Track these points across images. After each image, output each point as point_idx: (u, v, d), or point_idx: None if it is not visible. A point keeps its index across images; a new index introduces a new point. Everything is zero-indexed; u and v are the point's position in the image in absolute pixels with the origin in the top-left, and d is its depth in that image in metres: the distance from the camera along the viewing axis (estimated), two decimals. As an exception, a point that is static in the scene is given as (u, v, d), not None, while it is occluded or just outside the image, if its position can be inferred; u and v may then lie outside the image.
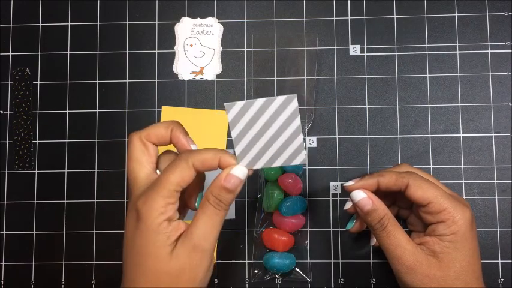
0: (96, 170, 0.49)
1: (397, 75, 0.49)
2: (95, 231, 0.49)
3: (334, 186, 0.48)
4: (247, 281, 0.48)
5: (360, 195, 0.38)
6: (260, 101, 0.35)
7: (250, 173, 0.36)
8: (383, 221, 0.37)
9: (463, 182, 0.48)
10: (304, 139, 0.48)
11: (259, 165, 0.36)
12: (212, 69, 0.50)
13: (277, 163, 0.36)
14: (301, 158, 0.36)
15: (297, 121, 0.35)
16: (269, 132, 0.36)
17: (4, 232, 0.49)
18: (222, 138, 0.49)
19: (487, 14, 0.49)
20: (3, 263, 0.49)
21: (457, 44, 0.49)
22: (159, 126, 0.37)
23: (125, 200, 0.49)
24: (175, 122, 0.37)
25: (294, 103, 0.35)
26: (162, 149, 0.39)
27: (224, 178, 0.34)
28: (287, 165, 0.36)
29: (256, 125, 0.36)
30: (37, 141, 0.50)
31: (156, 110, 0.50)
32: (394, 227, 0.37)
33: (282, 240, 0.46)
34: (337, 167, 0.48)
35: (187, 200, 0.38)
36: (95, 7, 0.51)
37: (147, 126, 0.37)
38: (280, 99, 0.35)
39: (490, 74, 0.49)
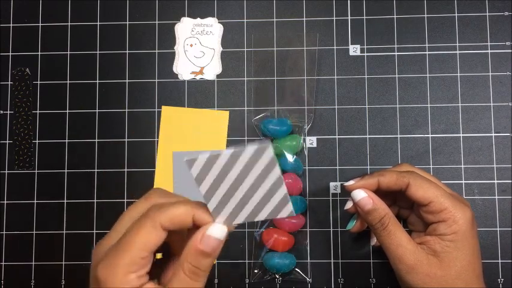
0: (96, 170, 0.49)
1: (397, 75, 0.49)
2: (95, 231, 0.49)
3: (334, 186, 0.48)
4: (247, 281, 0.48)
5: (360, 195, 0.38)
6: (227, 154, 0.29)
7: (231, 229, 0.31)
8: (384, 221, 0.37)
9: (463, 182, 0.48)
10: (304, 139, 0.48)
11: (239, 220, 0.31)
12: (212, 69, 0.50)
13: (261, 217, 0.31)
14: (287, 211, 0.31)
15: (276, 172, 0.29)
16: (245, 185, 0.30)
17: (4, 232, 0.49)
18: (222, 139, 0.49)
19: (487, 14, 0.49)
20: (3, 263, 0.49)
21: (457, 44, 0.49)
22: (177, 210, 0.30)
23: (125, 200, 0.49)
24: (194, 203, 0.31)
25: (269, 153, 0.29)
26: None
27: (200, 240, 0.29)
28: (272, 218, 0.32)
29: (228, 178, 0.30)
30: (37, 141, 0.50)
31: (156, 110, 0.50)
32: (395, 227, 0.37)
33: (282, 240, 0.46)
34: (337, 167, 0.48)
35: (172, 246, 0.33)
36: (95, 7, 0.51)
37: (163, 204, 0.30)
38: (249, 151, 0.29)
39: (490, 74, 0.49)
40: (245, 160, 0.29)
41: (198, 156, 0.29)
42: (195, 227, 0.30)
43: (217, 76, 0.50)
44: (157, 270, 0.33)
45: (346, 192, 0.47)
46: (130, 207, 0.32)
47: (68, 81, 0.50)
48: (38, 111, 0.50)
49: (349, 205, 0.41)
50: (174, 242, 0.33)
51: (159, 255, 0.34)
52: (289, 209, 0.31)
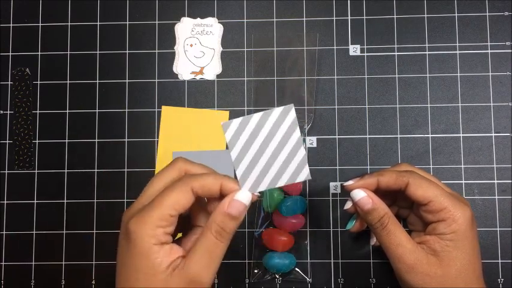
0: (96, 170, 0.49)
1: (397, 75, 0.49)
2: (95, 231, 0.49)
3: (334, 186, 0.48)
4: (247, 281, 0.48)
5: (360, 195, 0.38)
6: (257, 116, 0.34)
7: (254, 198, 0.35)
8: (383, 220, 0.37)
9: (463, 182, 0.48)
10: (304, 139, 0.48)
11: (262, 188, 0.35)
12: (212, 69, 0.50)
13: (281, 183, 0.35)
14: (304, 174, 0.35)
15: (297, 133, 0.34)
16: (269, 149, 0.34)
17: (4, 232, 0.49)
18: (222, 139, 0.49)
19: (487, 14, 0.49)
20: (3, 263, 0.49)
21: (457, 44, 0.49)
22: (208, 178, 0.33)
23: (125, 200, 0.49)
24: (221, 174, 0.35)
25: (292, 114, 0.34)
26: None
27: (228, 204, 0.33)
28: (291, 183, 0.35)
29: (256, 142, 0.35)
30: (37, 141, 0.50)
31: (156, 110, 0.50)
32: (395, 226, 0.37)
33: (282, 240, 0.46)
34: (337, 167, 0.48)
35: (193, 217, 0.37)
36: (95, 7, 0.51)
37: (196, 168, 0.35)
38: (277, 111, 0.34)
39: (490, 74, 0.49)
40: (273, 120, 0.34)
41: (233, 120, 0.34)
42: (221, 196, 0.34)
43: (217, 76, 0.50)
44: (177, 244, 0.35)
45: (346, 192, 0.47)
46: (158, 174, 0.35)
47: (68, 81, 0.50)
48: (38, 111, 0.50)
49: (348, 205, 0.41)
50: (196, 214, 0.37)
51: (179, 235, 0.38)
52: (306, 171, 0.35)
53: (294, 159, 0.35)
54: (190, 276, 0.32)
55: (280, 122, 0.34)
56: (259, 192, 0.35)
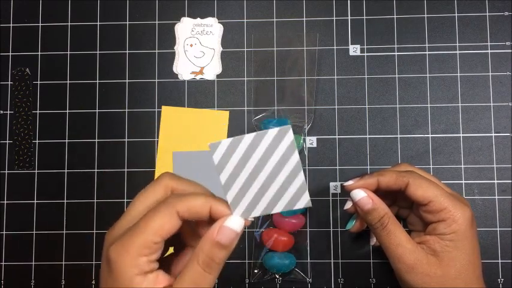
0: (96, 170, 0.49)
1: (397, 75, 0.49)
2: (94, 231, 0.49)
3: (334, 186, 0.48)
4: (247, 281, 0.48)
5: (360, 195, 0.38)
6: (249, 137, 0.30)
7: (247, 224, 0.31)
8: (383, 220, 0.37)
9: (463, 182, 0.48)
10: (304, 139, 0.48)
11: (256, 213, 0.31)
12: (212, 69, 0.50)
13: (277, 209, 0.31)
14: (304, 201, 0.31)
15: (295, 157, 0.30)
16: (264, 173, 0.31)
17: (4, 232, 0.49)
18: (222, 139, 0.49)
19: (487, 14, 0.49)
20: (3, 263, 0.49)
21: (457, 44, 0.49)
22: (196, 200, 0.30)
23: (125, 200, 0.49)
24: (212, 195, 0.32)
25: (290, 136, 0.30)
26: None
27: (217, 232, 0.30)
28: (289, 209, 0.31)
29: (248, 165, 0.31)
30: (37, 141, 0.50)
31: (156, 110, 0.50)
32: (395, 226, 0.37)
33: (282, 240, 0.46)
34: (337, 167, 0.48)
35: (184, 237, 0.34)
36: (95, 7, 0.51)
37: (184, 185, 0.32)
38: (272, 133, 0.30)
39: (490, 74, 0.49)
40: (267, 143, 0.30)
41: (222, 141, 0.31)
42: (211, 219, 0.31)
43: (217, 76, 0.50)
44: (167, 264, 0.33)
45: (346, 192, 0.47)
46: (142, 192, 0.32)
47: (68, 81, 0.50)
48: (38, 111, 0.50)
49: (348, 205, 0.41)
50: (187, 235, 0.33)
51: (171, 250, 0.35)
52: (306, 198, 0.31)
53: (292, 185, 0.31)
54: None
55: (277, 144, 0.30)
56: (253, 218, 0.32)
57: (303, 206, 0.31)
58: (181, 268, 0.31)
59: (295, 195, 0.31)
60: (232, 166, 0.31)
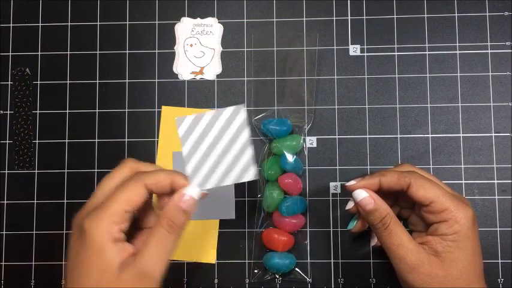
0: (96, 170, 0.49)
1: (397, 75, 0.49)
2: (95, 231, 0.49)
3: (334, 186, 0.48)
4: (247, 281, 0.48)
5: (362, 195, 0.38)
6: (209, 114, 0.36)
7: (202, 197, 0.36)
8: (385, 220, 0.37)
9: (463, 182, 0.48)
10: (304, 139, 0.48)
11: (209, 185, 0.36)
12: (212, 69, 0.50)
13: (228, 181, 0.36)
14: (251, 174, 0.36)
15: (246, 133, 0.36)
16: (219, 148, 0.36)
17: (4, 232, 0.49)
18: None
19: (487, 14, 0.49)
20: (3, 263, 0.49)
21: (457, 44, 0.49)
22: (159, 175, 0.35)
23: (125, 200, 0.49)
24: (172, 171, 0.36)
25: (242, 114, 0.36)
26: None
27: (179, 198, 0.34)
28: (237, 182, 0.36)
29: (206, 140, 0.36)
30: (37, 141, 0.50)
31: (156, 110, 0.50)
32: (396, 226, 0.37)
33: (282, 240, 0.46)
34: (337, 167, 0.48)
35: (141, 219, 0.38)
36: (95, 7, 0.51)
37: (146, 167, 0.36)
38: (228, 111, 0.36)
39: (490, 74, 0.49)
40: (224, 119, 0.36)
41: (186, 116, 0.36)
42: (171, 192, 0.35)
43: (217, 76, 0.50)
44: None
45: (346, 192, 0.47)
46: (109, 174, 0.36)
47: (68, 81, 0.50)
48: (38, 111, 0.50)
49: (350, 205, 0.41)
50: (144, 216, 0.37)
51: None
52: (252, 171, 0.36)
53: (241, 159, 0.36)
54: (142, 272, 0.32)
55: (231, 121, 0.36)
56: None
57: (250, 179, 0.36)
58: (140, 245, 0.34)
59: (243, 168, 0.36)
60: (193, 140, 0.36)
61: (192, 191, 0.35)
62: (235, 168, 0.36)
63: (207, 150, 0.36)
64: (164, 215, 0.34)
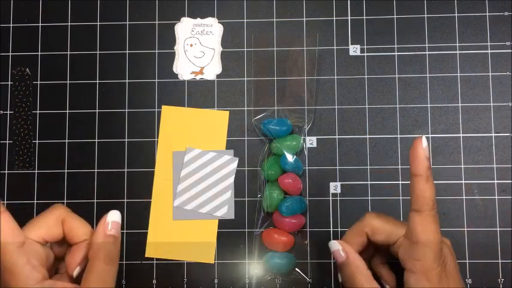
0: (96, 170, 0.49)
1: (397, 75, 0.49)
2: (95, 231, 0.49)
3: (334, 186, 0.48)
4: (247, 281, 0.48)
5: (334, 247, 0.38)
6: (212, 153, 0.47)
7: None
8: (355, 276, 0.37)
9: (463, 182, 0.48)
10: (304, 139, 0.48)
11: (190, 207, 0.45)
12: (212, 69, 0.50)
13: (204, 210, 0.46)
14: (223, 211, 0.46)
15: (231, 179, 0.46)
16: (208, 181, 0.46)
17: (4, 232, 0.49)
18: (222, 139, 0.49)
19: (487, 14, 0.49)
20: (3, 263, 0.49)
21: (457, 44, 0.49)
22: (46, 220, 0.35)
23: (125, 200, 0.49)
24: (62, 208, 0.37)
25: (234, 164, 0.47)
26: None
27: (104, 227, 0.34)
28: (212, 214, 0.45)
29: (202, 171, 0.46)
30: (37, 141, 0.50)
31: (156, 110, 0.50)
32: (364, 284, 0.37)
33: (282, 240, 0.46)
34: (337, 167, 0.48)
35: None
36: (95, 7, 0.51)
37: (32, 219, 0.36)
38: (226, 157, 0.47)
39: (490, 74, 0.49)
40: (220, 162, 0.47)
41: (195, 149, 0.46)
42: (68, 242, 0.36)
43: (217, 76, 0.50)
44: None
45: (346, 192, 0.47)
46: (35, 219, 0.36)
47: (68, 81, 0.50)
48: (38, 111, 0.50)
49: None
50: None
51: None
52: (224, 210, 0.46)
53: (221, 197, 0.46)
54: None
55: (224, 166, 0.47)
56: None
57: (221, 215, 0.46)
58: (87, 273, 0.33)
59: (220, 205, 0.46)
60: (192, 168, 0.46)
61: (113, 216, 0.35)
62: (214, 202, 0.46)
63: (199, 180, 0.46)
64: (98, 250, 0.33)
